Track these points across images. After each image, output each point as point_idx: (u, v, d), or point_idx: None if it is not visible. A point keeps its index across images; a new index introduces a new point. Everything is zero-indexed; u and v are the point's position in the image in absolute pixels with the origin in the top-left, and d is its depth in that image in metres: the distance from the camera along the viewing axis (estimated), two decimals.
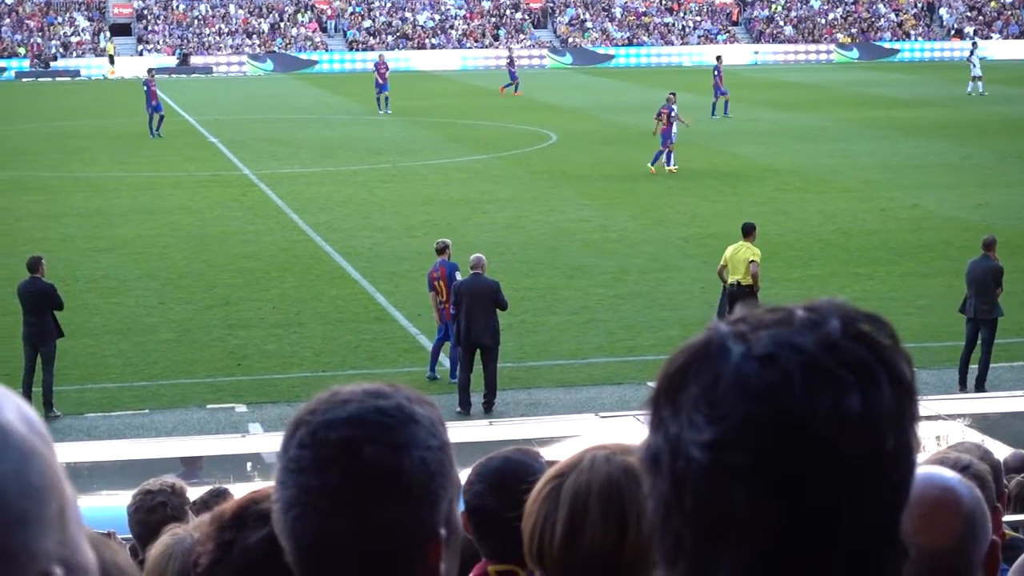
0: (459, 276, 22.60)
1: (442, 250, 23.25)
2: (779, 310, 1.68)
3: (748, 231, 24.22)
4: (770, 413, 1.60)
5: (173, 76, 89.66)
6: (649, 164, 43.73)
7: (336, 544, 2.30)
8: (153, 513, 7.59)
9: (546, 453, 4.49)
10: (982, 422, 14.80)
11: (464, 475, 2.67)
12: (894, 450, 1.65)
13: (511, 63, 74.70)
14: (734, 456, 1.60)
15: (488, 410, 21.33)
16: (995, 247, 22.86)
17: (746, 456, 1.59)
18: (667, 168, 43.53)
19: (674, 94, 45.84)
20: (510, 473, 4.15)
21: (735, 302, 22.00)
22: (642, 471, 1.69)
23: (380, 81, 64.17)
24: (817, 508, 1.60)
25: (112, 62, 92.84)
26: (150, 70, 61.56)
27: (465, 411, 21.09)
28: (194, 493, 9.00)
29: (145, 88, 55.95)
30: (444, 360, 23.29)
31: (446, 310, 22.56)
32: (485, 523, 4.10)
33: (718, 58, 64.39)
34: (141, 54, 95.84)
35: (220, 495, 8.88)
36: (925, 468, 3.44)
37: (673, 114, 44.06)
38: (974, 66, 68.85)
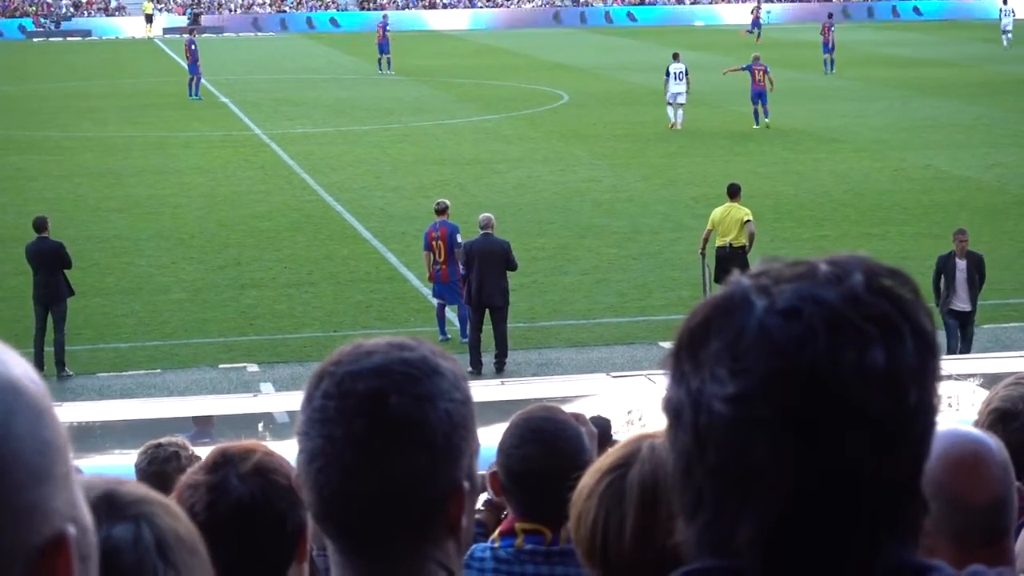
0: (459, 237, 22.58)
1: (442, 211, 23.21)
2: (801, 264, 1.68)
3: (736, 192, 24.12)
4: (794, 367, 1.59)
5: (184, 36, 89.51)
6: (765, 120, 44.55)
7: (360, 495, 2.30)
8: (168, 463, 7.59)
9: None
10: (994, 382, 14.78)
11: (485, 434, 2.64)
12: (916, 404, 1.65)
13: (757, 11, 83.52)
14: (757, 410, 1.59)
15: (500, 370, 21.34)
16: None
17: (769, 410, 1.59)
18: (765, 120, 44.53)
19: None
20: (556, 433, 4.18)
21: (729, 264, 22.07)
22: (664, 424, 1.69)
23: (381, 42, 63.93)
24: (839, 461, 1.60)
25: (149, 21, 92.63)
26: (192, 31, 62.24)
27: (476, 371, 21.09)
28: (205, 453, 9.01)
29: (192, 47, 55.83)
30: (453, 318, 23.30)
31: (443, 271, 22.58)
32: (526, 484, 4.12)
33: (829, 15, 67.27)
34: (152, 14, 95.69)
35: None
36: (949, 428, 3.46)
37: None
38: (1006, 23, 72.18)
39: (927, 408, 1.66)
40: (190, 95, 54.56)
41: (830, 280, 1.65)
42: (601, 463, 3.10)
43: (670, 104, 44.84)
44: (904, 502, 1.66)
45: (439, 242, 22.72)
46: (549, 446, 4.14)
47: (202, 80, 55.47)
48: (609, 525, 3.00)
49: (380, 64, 64.02)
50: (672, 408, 1.67)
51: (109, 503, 2.18)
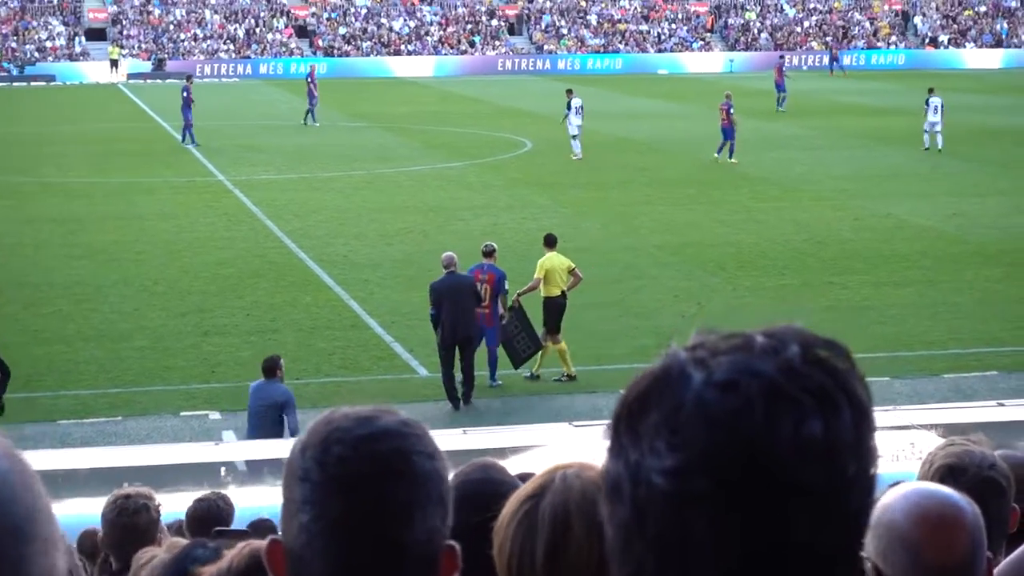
0: (507, 284, 22.63)
1: (490, 253, 23.09)
2: (737, 336, 1.69)
3: (554, 241, 24.41)
4: (732, 439, 1.60)
5: (148, 81, 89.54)
6: (729, 159, 47.16)
7: (385, 557, 2.29)
8: (139, 515, 7.63)
9: (519, 462, 4.50)
10: (955, 432, 14.80)
11: None
12: (854, 476, 1.65)
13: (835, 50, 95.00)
14: (696, 483, 1.60)
15: (467, 401, 21.64)
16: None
17: (708, 483, 1.60)
18: (730, 160, 47.09)
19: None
20: (495, 497, 4.17)
21: (561, 312, 22.87)
22: (602, 498, 1.70)
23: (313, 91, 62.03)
24: (778, 534, 1.61)
25: (115, 66, 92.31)
26: (189, 77, 61.82)
27: (456, 407, 21.45)
28: None
29: (185, 94, 55.18)
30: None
31: (487, 314, 22.36)
32: (469, 546, 4.12)
33: (781, 56, 76.33)
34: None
35: (222, 498, 9.18)
36: (923, 485, 3.44)
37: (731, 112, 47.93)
38: None
39: (865, 479, 1.67)
40: (183, 142, 54.05)
41: (766, 352, 1.66)
42: (519, 492, 3.14)
43: (573, 137, 48.61)
44: (842, 572, 1.68)
45: (486, 285, 22.62)
46: (488, 511, 4.15)
47: (188, 130, 54.78)
48: (524, 552, 3.02)
49: (308, 116, 61.87)
50: (611, 481, 1.68)
51: None
